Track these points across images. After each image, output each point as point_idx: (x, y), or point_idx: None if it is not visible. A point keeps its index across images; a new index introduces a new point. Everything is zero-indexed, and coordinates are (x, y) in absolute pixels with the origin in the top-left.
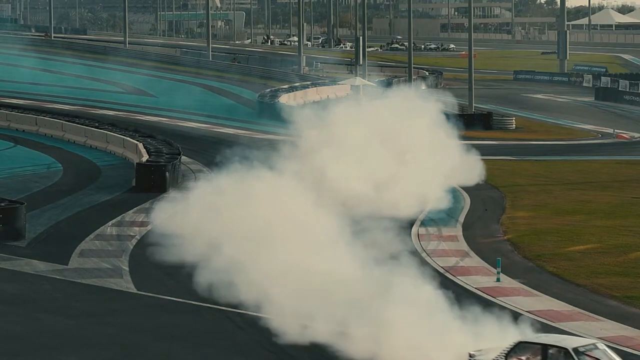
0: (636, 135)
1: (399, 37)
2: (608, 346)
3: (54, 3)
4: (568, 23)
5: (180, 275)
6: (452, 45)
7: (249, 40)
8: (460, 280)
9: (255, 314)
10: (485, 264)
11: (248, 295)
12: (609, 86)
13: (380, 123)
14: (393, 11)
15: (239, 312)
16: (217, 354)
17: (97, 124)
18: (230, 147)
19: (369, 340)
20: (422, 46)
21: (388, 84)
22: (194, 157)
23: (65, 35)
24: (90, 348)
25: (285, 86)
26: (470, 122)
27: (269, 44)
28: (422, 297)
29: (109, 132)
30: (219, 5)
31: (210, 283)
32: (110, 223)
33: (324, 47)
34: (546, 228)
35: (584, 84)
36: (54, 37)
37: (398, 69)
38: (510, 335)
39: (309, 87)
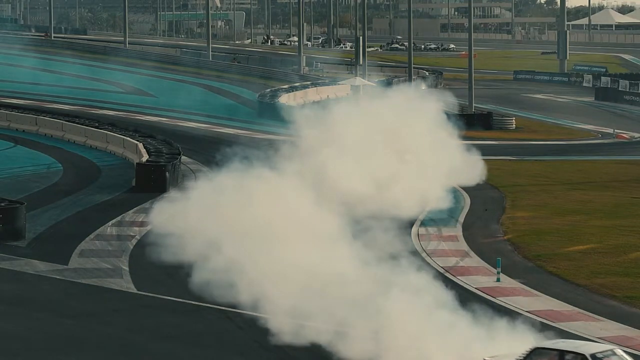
0: (636, 135)
1: (399, 37)
2: (626, 352)
3: (54, 3)
4: (568, 23)
5: (180, 275)
6: (452, 45)
7: (249, 40)
8: (460, 280)
9: (255, 313)
10: (485, 264)
11: (248, 295)
12: (609, 86)
13: (380, 122)
14: (393, 11)
15: (239, 312)
16: (217, 354)
17: (97, 124)
18: (230, 147)
19: (369, 340)
20: (422, 46)
21: (388, 84)
22: (194, 157)
23: (65, 35)
24: (90, 348)
25: (285, 86)
26: (470, 122)
27: (269, 44)
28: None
29: (109, 132)
30: (219, 5)
31: (211, 283)
32: (110, 223)
33: (324, 47)
34: (546, 228)
35: (584, 84)
36: (54, 37)
37: (398, 69)
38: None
39: (309, 87)
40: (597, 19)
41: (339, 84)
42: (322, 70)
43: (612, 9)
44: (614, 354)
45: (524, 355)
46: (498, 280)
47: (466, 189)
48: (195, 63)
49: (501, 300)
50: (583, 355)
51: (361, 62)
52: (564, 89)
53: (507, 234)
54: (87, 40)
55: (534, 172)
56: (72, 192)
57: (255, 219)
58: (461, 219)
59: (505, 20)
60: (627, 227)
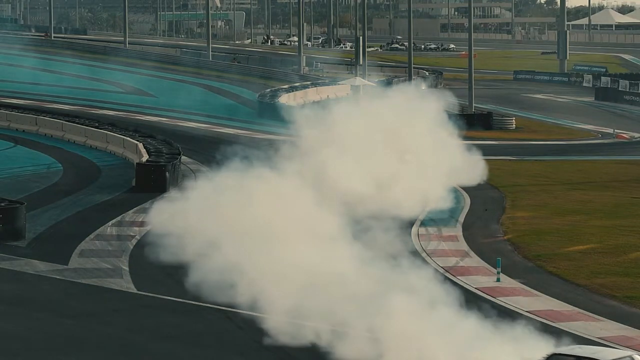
0: (636, 135)
1: (399, 37)
2: None
3: (54, 3)
4: (568, 23)
5: (180, 275)
6: (452, 45)
7: (249, 40)
8: (460, 280)
9: (255, 313)
10: (485, 264)
11: (248, 295)
12: (609, 86)
13: (380, 122)
14: (393, 11)
15: (239, 312)
16: (217, 354)
17: (97, 124)
18: (231, 147)
19: (369, 340)
20: (422, 46)
21: (388, 83)
22: (194, 157)
23: (65, 35)
24: (90, 348)
25: (285, 86)
26: (470, 122)
27: (269, 44)
28: (422, 296)
29: (109, 132)
30: (219, 5)
31: (210, 283)
32: (110, 223)
33: (324, 47)
34: (546, 228)
35: (584, 84)
36: (54, 37)
37: (398, 69)
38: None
39: (309, 87)
40: (597, 19)
41: (339, 84)
42: (322, 70)
43: (612, 9)
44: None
45: None
46: (498, 280)
47: (466, 189)
48: (195, 63)
49: (501, 300)
50: None
51: (361, 62)
52: (564, 89)
53: (507, 234)
54: (87, 40)
55: (534, 172)
56: (72, 192)
57: (255, 219)
58: (461, 219)
59: (505, 20)
60: (627, 227)
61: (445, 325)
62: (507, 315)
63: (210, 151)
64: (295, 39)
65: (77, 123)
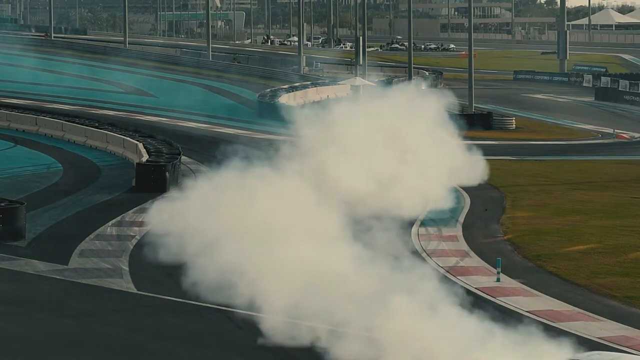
0: (636, 135)
1: (399, 37)
2: None
3: (54, 3)
4: (568, 23)
5: (180, 275)
6: (452, 45)
7: (249, 40)
8: (460, 280)
9: (255, 313)
10: (485, 264)
11: (248, 295)
12: (609, 86)
13: (381, 122)
14: (393, 11)
15: (239, 312)
16: (217, 354)
17: (97, 124)
18: (230, 147)
19: (369, 340)
20: (422, 46)
21: (388, 83)
22: (194, 157)
23: (65, 35)
24: (90, 348)
25: (285, 86)
26: (470, 122)
27: (269, 44)
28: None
29: (109, 132)
30: (219, 5)
31: (210, 283)
32: (110, 223)
33: (324, 47)
34: (546, 228)
35: (584, 84)
36: (54, 37)
37: (398, 69)
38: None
39: (309, 87)
40: (597, 19)
41: (339, 84)
42: (322, 70)
43: (612, 9)
44: None
45: None
46: (498, 280)
47: (466, 189)
48: (195, 63)
49: (501, 300)
50: None
51: (361, 62)
52: (564, 89)
53: (507, 234)
54: (87, 40)
55: (534, 172)
56: (72, 192)
57: (255, 219)
58: (461, 219)
59: (505, 20)
60: (627, 227)
61: (448, 327)
62: (515, 318)
63: (210, 151)
64: (295, 39)
65: (77, 123)
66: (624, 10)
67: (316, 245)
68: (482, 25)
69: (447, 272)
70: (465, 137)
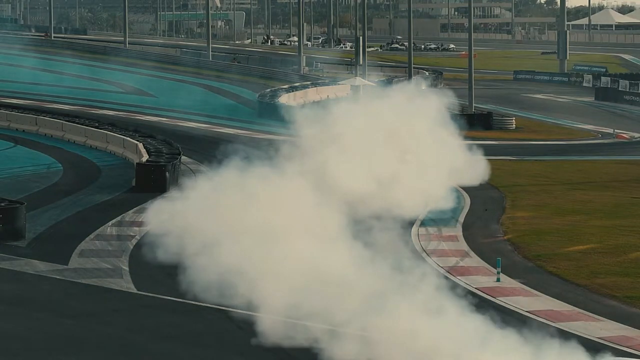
0: (636, 135)
1: (399, 37)
2: None
3: (54, 3)
4: (568, 23)
5: (180, 275)
6: (452, 45)
7: (249, 40)
8: (460, 280)
9: (255, 313)
10: (485, 264)
11: (248, 295)
12: (609, 86)
13: (381, 122)
14: (393, 11)
15: (239, 312)
16: (217, 354)
17: (97, 124)
18: (230, 147)
19: (369, 340)
20: (422, 46)
21: (388, 83)
22: (194, 157)
23: (65, 35)
24: (90, 348)
25: (285, 86)
26: (471, 122)
27: (269, 44)
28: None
29: (109, 132)
30: (219, 5)
31: (211, 283)
32: (110, 223)
33: (324, 47)
34: (546, 228)
35: (584, 84)
36: (54, 37)
37: (398, 69)
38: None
39: (309, 87)
40: (597, 19)
41: (339, 84)
42: (322, 70)
43: (612, 9)
44: None
45: None
46: (498, 280)
47: (466, 189)
48: (195, 63)
49: (501, 300)
50: None
51: (361, 62)
52: (564, 89)
53: (507, 234)
54: (87, 40)
55: (534, 172)
56: (72, 192)
57: (255, 219)
58: (461, 219)
59: (505, 20)
60: (627, 227)
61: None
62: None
63: (210, 151)
64: (295, 39)
65: (77, 123)
66: (624, 10)
67: (316, 245)
68: (482, 25)
69: (447, 272)
70: (466, 137)
